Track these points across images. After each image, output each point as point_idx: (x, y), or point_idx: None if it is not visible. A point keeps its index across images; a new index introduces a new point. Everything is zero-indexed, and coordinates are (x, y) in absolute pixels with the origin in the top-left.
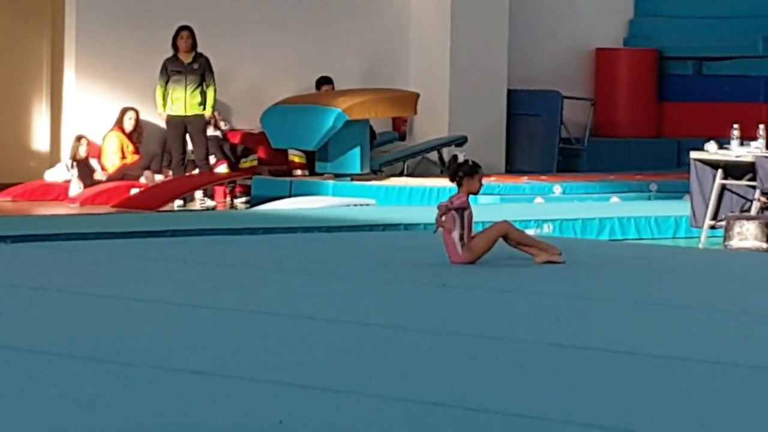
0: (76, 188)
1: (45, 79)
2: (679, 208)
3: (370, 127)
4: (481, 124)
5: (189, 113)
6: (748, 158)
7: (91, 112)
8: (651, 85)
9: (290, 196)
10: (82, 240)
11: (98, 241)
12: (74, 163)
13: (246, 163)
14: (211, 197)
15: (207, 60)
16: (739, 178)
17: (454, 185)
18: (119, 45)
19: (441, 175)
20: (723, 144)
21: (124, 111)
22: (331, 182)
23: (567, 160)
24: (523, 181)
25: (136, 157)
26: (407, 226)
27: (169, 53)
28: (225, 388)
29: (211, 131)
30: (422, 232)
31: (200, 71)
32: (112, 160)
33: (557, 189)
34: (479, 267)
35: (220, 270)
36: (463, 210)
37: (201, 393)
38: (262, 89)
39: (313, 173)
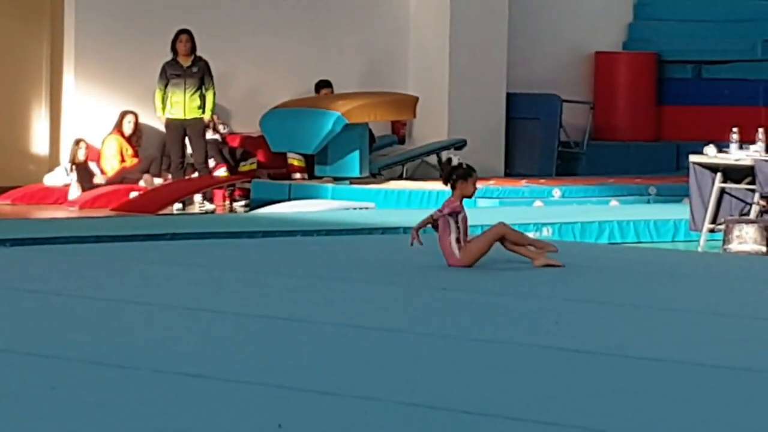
0: (75, 192)
1: (44, 83)
2: (679, 212)
3: (370, 130)
4: (480, 128)
5: (188, 117)
6: (748, 162)
7: (91, 116)
8: (650, 88)
9: (289, 199)
10: (81, 243)
11: (97, 245)
12: (73, 167)
13: (245, 166)
14: (211, 200)
15: (206, 63)
16: (739, 182)
17: (448, 188)
18: (118, 48)
19: (440, 178)
20: (722, 147)
21: (123, 114)
22: (330, 185)
23: (566, 163)
24: (522, 184)
25: (135, 160)
26: (406, 230)
27: (169, 57)
28: (224, 392)
29: (210, 135)
30: (422, 235)
31: (199, 75)
32: (111, 164)
33: (556, 192)
34: (478, 270)
35: (220, 273)
36: (456, 214)
37: (200, 396)
38: (261, 92)
39: (312, 176)
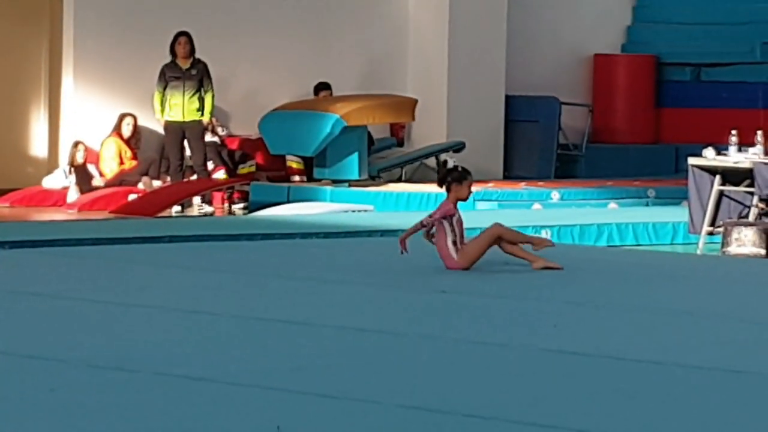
0: (74, 194)
1: (43, 85)
2: (677, 214)
3: (368, 133)
4: (479, 130)
5: (187, 119)
6: (746, 164)
7: (89, 118)
8: (649, 91)
9: (288, 202)
10: (80, 246)
11: (96, 247)
12: (72, 169)
13: (244, 169)
14: (209, 203)
15: (205, 66)
16: (737, 185)
17: (443, 190)
18: (117, 51)
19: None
20: (721, 150)
21: (122, 117)
22: (329, 188)
23: (565, 166)
24: (521, 187)
25: (134, 162)
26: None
27: (167, 59)
28: (223, 394)
29: (209, 137)
30: (420, 238)
31: (198, 77)
32: (110, 166)
33: (555, 195)
34: (477, 273)
35: (218, 276)
36: (450, 217)
37: (199, 398)
38: (260, 95)
39: (311, 179)
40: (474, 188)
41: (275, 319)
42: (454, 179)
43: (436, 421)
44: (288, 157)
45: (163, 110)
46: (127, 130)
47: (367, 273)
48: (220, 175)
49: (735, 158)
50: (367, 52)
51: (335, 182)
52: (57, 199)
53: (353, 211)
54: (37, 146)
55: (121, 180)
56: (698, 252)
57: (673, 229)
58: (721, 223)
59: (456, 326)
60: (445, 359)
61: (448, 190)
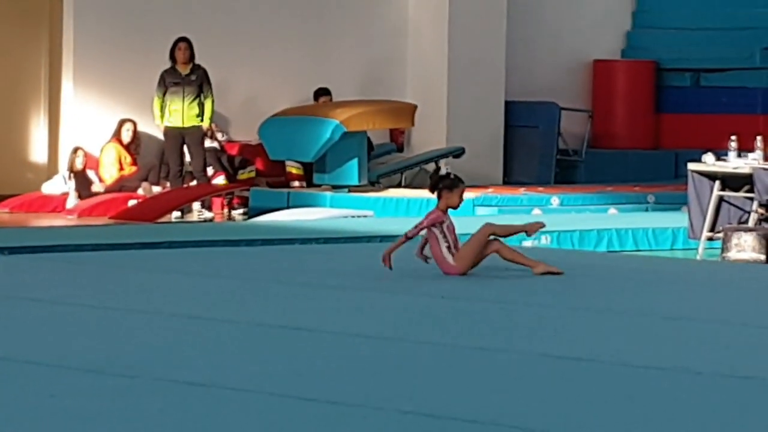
0: (73, 200)
1: (43, 91)
2: (677, 220)
3: (368, 138)
4: (478, 136)
5: (187, 125)
6: (746, 170)
7: (89, 124)
8: (648, 96)
9: (288, 207)
10: (79, 251)
11: (96, 253)
12: (71, 175)
13: (244, 174)
14: (209, 209)
15: (205, 71)
16: (737, 190)
17: (434, 197)
18: (117, 56)
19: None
20: (720, 155)
21: (121, 122)
22: (328, 194)
23: (564, 171)
24: (521, 192)
25: (133, 168)
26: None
27: (167, 65)
28: (223, 400)
29: (208, 143)
30: (421, 240)
31: (198, 83)
32: (109, 172)
33: (555, 200)
34: (476, 278)
35: (218, 281)
36: (441, 224)
37: (199, 404)
38: (260, 101)
39: (310, 185)
40: (474, 194)
41: (275, 324)
42: (446, 186)
43: (436, 427)
44: (288, 162)
45: (162, 116)
46: (126, 136)
47: (366, 278)
48: (220, 180)
49: (734, 164)
50: (366, 57)
51: (335, 188)
52: (56, 204)
53: (353, 217)
54: (37, 152)
55: (121, 186)
56: (698, 257)
57: (672, 235)
58: (720, 228)
59: (455, 332)
60: (444, 365)
61: (439, 197)
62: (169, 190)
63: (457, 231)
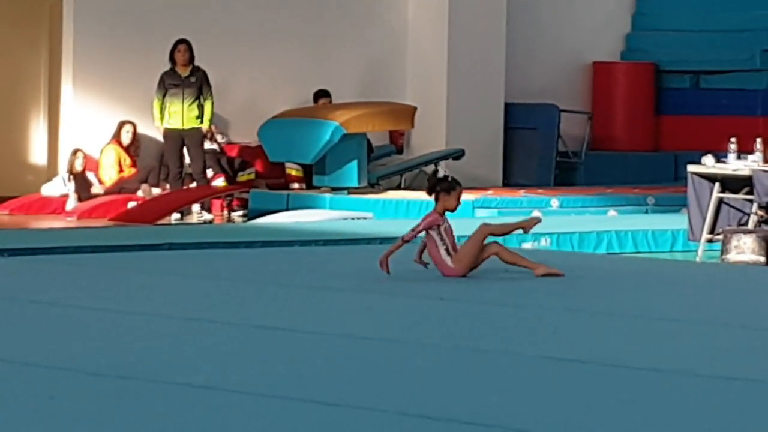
0: (73, 202)
1: (42, 93)
2: (677, 222)
3: (368, 140)
4: (478, 138)
5: (186, 126)
6: (745, 172)
7: (89, 126)
8: (648, 98)
9: (287, 209)
10: (79, 253)
11: (95, 255)
12: (71, 177)
13: (243, 176)
14: (209, 210)
15: (204, 73)
16: (737, 192)
17: (431, 198)
18: (116, 58)
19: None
20: (720, 157)
21: (121, 124)
22: (328, 195)
23: (564, 173)
24: (521, 194)
25: (133, 170)
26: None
27: (167, 66)
28: (223, 402)
29: (208, 145)
30: (419, 245)
31: (197, 84)
32: (109, 174)
33: (554, 202)
34: (476, 280)
35: (218, 283)
36: (438, 227)
37: (198, 406)
38: (260, 102)
39: (310, 186)
40: (473, 195)
41: (274, 326)
42: (443, 189)
43: (436, 429)
44: (287, 164)
45: (162, 118)
46: (126, 138)
47: (366, 280)
48: (220, 182)
49: (734, 166)
50: (366, 59)
51: (334, 190)
52: (56, 206)
53: (352, 219)
54: (37, 154)
55: (121, 187)
56: (697, 259)
57: (672, 237)
58: (720, 230)
59: (455, 333)
60: (444, 366)
61: (436, 199)
62: (168, 192)
63: (457, 233)
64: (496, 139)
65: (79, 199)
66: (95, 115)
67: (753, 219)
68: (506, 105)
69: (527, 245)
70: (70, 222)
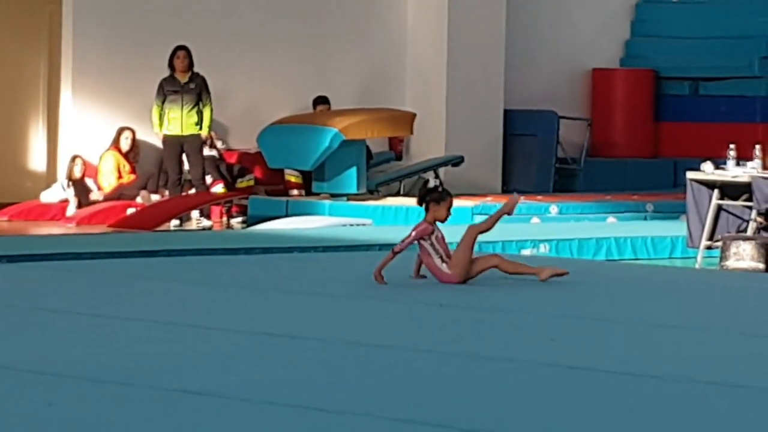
0: (72, 208)
1: (42, 99)
2: (676, 229)
3: (367, 147)
4: (477, 144)
5: (185, 133)
6: (745, 178)
7: (88, 132)
8: (647, 105)
9: (287, 215)
10: (78, 260)
11: (94, 261)
12: (70, 183)
13: (242, 183)
14: (208, 217)
15: (203, 80)
16: (736, 199)
17: (422, 207)
18: (116, 65)
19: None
20: (719, 164)
21: (120, 131)
22: (327, 202)
23: (563, 180)
24: (520, 201)
25: (132, 176)
26: None
27: (166, 73)
28: (221, 408)
29: (207, 151)
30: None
31: (197, 91)
32: (108, 180)
33: (554, 209)
34: (474, 286)
35: (217, 290)
36: (429, 236)
37: (198, 413)
38: (259, 109)
39: (309, 193)
40: (472, 202)
41: (273, 332)
42: (433, 199)
43: None
44: (286, 171)
45: (161, 124)
46: (125, 144)
47: (365, 287)
48: (219, 189)
49: (733, 172)
50: (365, 66)
51: (334, 196)
52: (55, 212)
53: (352, 225)
54: (36, 160)
55: (120, 194)
56: (697, 266)
57: (671, 243)
58: (719, 237)
59: (454, 340)
60: (442, 373)
61: (426, 209)
62: (167, 198)
63: (456, 240)
64: (495, 145)
65: (79, 206)
66: (94, 122)
67: (752, 226)
68: (505, 111)
69: (526, 252)
70: (69, 228)
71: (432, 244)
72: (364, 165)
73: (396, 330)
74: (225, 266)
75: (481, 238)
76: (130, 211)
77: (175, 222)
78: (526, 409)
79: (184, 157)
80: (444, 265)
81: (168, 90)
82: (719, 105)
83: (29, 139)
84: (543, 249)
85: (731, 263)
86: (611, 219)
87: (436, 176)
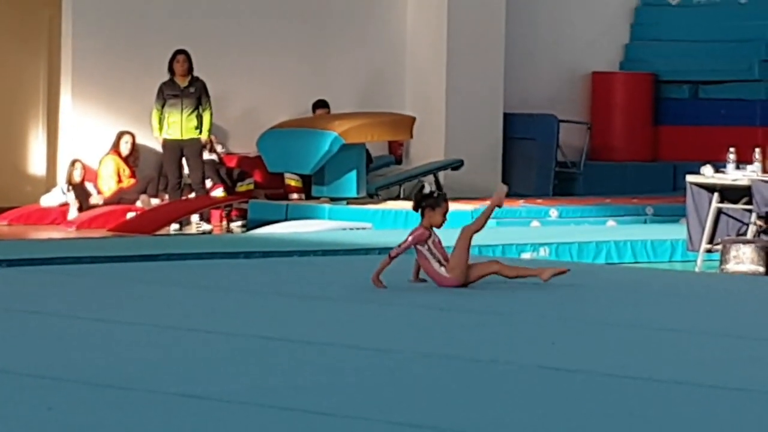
0: (72, 212)
1: (41, 103)
2: (676, 232)
3: (367, 150)
4: (477, 148)
5: (185, 137)
6: (744, 182)
7: (88, 136)
8: (647, 108)
9: (286, 219)
10: (77, 264)
11: (94, 265)
12: (70, 188)
13: (242, 186)
14: (208, 221)
15: (203, 84)
16: (736, 202)
17: (418, 212)
18: (115, 69)
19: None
20: (719, 168)
21: (120, 135)
22: (327, 206)
23: (563, 183)
24: (520, 204)
25: (132, 181)
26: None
27: (166, 77)
28: (221, 412)
29: (207, 155)
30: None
31: (196, 95)
32: (108, 184)
33: (553, 212)
34: (474, 290)
35: (217, 294)
36: (425, 241)
37: (198, 417)
38: (258, 113)
39: (309, 197)
40: (472, 206)
41: (273, 336)
42: (429, 205)
43: None
44: (286, 174)
45: (161, 128)
46: (125, 148)
47: (364, 290)
48: (219, 193)
49: (733, 176)
50: (365, 69)
51: (333, 200)
52: (55, 217)
53: (351, 229)
54: (36, 164)
55: (120, 198)
56: (696, 269)
57: (671, 247)
58: (719, 240)
59: (453, 343)
60: (442, 377)
61: (422, 215)
62: (167, 202)
63: (452, 243)
64: (495, 149)
65: (79, 210)
66: (94, 126)
67: (752, 229)
68: (505, 115)
69: (526, 255)
70: (69, 232)
71: (429, 249)
72: (364, 169)
73: (395, 333)
74: (225, 270)
75: (481, 242)
76: (130, 215)
77: (174, 226)
78: (526, 412)
79: (183, 161)
80: (442, 269)
81: (168, 94)
82: (719, 108)
83: (29, 143)
84: (543, 252)
85: (731, 266)
86: (611, 222)
87: (436, 180)
